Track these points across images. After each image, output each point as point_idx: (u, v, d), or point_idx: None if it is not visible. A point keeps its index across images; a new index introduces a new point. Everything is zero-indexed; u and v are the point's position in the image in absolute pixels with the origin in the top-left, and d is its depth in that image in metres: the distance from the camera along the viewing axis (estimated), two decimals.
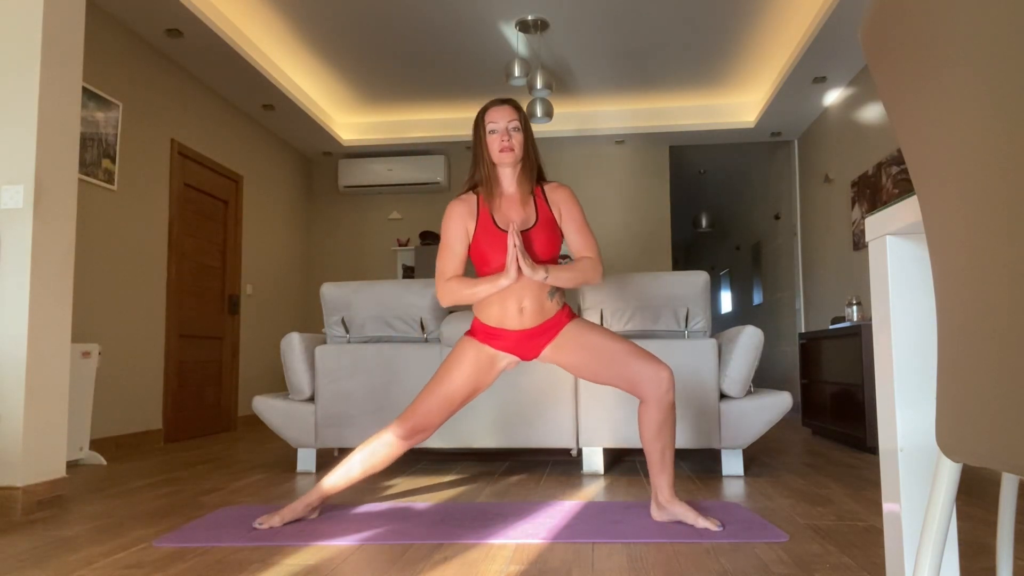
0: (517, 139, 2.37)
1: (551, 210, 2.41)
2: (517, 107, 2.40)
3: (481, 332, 2.42)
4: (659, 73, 5.95)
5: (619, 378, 2.34)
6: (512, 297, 2.35)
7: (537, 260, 2.35)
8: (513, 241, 2.21)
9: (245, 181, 6.22)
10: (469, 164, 2.51)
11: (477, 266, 2.40)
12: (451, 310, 4.14)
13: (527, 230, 2.36)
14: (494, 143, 2.36)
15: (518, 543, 2.12)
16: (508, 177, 2.42)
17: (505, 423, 3.45)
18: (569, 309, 2.47)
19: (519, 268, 2.23)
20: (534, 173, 2.44)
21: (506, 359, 2.43)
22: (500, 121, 2.36)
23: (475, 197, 2.43)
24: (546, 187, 2.46)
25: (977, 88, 0.64)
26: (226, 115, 5.91)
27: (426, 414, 2.39)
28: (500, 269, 2.32)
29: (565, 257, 6.73)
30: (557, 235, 2.40)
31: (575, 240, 2.40)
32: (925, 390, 1.15)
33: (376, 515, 2.50)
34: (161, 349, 4.94)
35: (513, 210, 2.40)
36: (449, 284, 2.35)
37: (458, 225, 2.39)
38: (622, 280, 3.47)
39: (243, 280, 6.13)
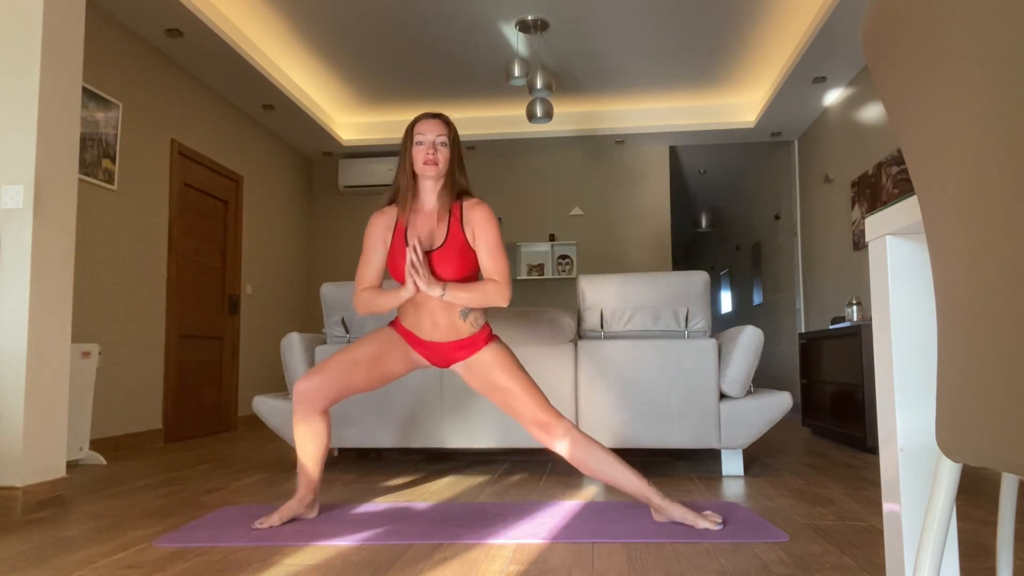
0: (443, 154, 2.38)
1: (464, 230, 2.39)
2: (448, 123, 2.42)
3: (399, 328, 2.50)
4: (659, 73, 5.95)
5: (516, 418, 2.41)
6: (425, 311, 2.41)
7: (440, 279, 2.36)
8: (409, 258, 2.25)
9: (245, 181, 6.22)
10: (387, 194, 2.52)
11: (394, 278, 2.45)
12: None
13: (434, 250, 2.37)
14: (419, 155, 2.36)
15: (518, 543, 2.12)
16: (428, 191, 2.42)
17: (505, 423, 3.45)
18: (489, 331, 2.48)
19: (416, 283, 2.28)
20: (454, 191, 2.42)
21: (419, 358, 2.50)
22: (428, 134, 2.37)
23: (396, 210, 2.46)
24: (465, 204, 2.43)
25: (977, 88, 0.65)
26: (226, 115, 5.91)
27: (325, 372, 2.39)
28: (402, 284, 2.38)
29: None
30: (467, 255, 2.38)
31: (485, 261, 2.40)
32: (925, 390, 1.15)
33: (376, 515, 2.50)
34: (161, 349, 4.94)
35: (426, 226, 2.40)
36: (362, 294, 2.42)
37: (376, 237, 2.45)
38: (622, 280, 3.47)
39: (243, 280, 6.13)
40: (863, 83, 5.35)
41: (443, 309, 2.40)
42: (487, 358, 2.42)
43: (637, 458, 3.95)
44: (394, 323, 2.52)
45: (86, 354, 3.89)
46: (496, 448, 3.92)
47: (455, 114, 6.85)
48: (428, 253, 2.37)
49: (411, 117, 6.88)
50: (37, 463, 2.71)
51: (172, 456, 4.24)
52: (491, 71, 5.87)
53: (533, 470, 3.54)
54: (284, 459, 4.04)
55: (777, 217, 7.64)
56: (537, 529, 2.26)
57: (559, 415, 2.36)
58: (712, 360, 3.34)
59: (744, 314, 9.58)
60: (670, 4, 4.78)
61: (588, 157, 7.41)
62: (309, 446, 2.43)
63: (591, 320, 3.50)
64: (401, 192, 2.43)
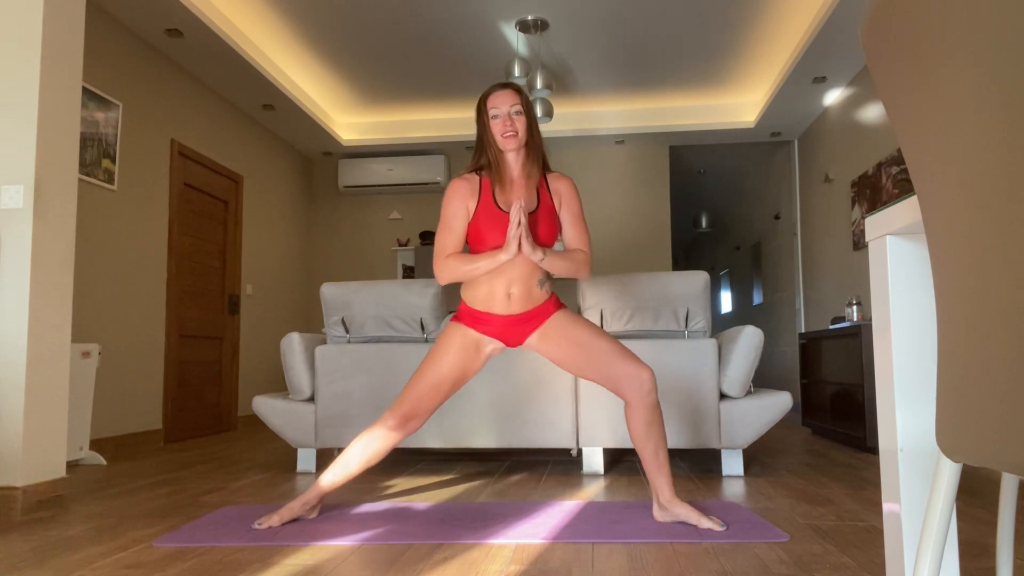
0: (520, 123, 2.37)
1: (552, 199, 2.43)
2: (519, 90, 2.40)
3: (467, 316, 2.43)
4: (659, 73, 5.95)
5: (600, 376, 2.35)
6: (501, 281, 2.37)
7: (537, 243, 2.35)
8: (518, 218, 2.21)
9: (245, 181, 6.22)
10: (469, 164, 2.51)
11: (472, 245, 2.41)
12: (451, 310, 4.14)
13: (530, 213, 2.37)
14: (497, 128, 2.36)
15: (518, 543, 2.12)
16: (513, 162, 2.43)
17: (505, 423, 3.45)
18: (557, 298, 2.48)
19: (519, 245, 2.24)
20: (539, 157, 2.44)
21: (492, 344, 2.44)
22: (502, 106, 2.36)
23: (478, 177, 2.43)
24: (549, 176, 2.48)
25: (977, 87, 0.64)
26: (226, 115, 5.91)
27: (416, 401, 2.38)
28: (496, 249, 2.33)
29: None
30: (556, 224, 2.41)
31: (570, 232, 2.42)
32: (925, 390, 1.15)
33: (376, 515, 2.50)
34: (161, 349, 4.94)
35: (516, 193, 2.40)
36: (448, 261, 2.36)
37: (459, 203, 2.39)
38: (622, 280, 3.47)
39: (243, 280, 6.13)
40: (863, 83, 5.35)
41: (520, 279, 2.37)
42: (561, 319, 2.41)
43: (638, 458, 3.95)
44: (459, 316, 2.46)
45: (86, 354, 3.89)
46: (496, 448, 3.91)
47: (455, 114, 6.85)
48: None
49: (411, 117, 6.89)
50: (37, 463, 2.71)
51: (172, 456, 4.24)
52: (491, 71, 5.87)
53: (533, 470, 3.54)
54: (284, 459, 4.04)
55: (777, 217, 7.64)
56: (537, 529, 2.26)
57: (646, 364, 2.35)
58: (712, 360, 3.34)
59: (744, 314, 9.57)
60: (670, 4, 4.78)
61: (588, 157, 7.41)
62: (364, 460, 2.39)
63: (591, 320, 3.50)
64: (487, 168, 2.41)
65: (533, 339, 2.43)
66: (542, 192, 2.42)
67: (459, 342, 2.41)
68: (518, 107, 2.37)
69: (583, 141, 7.10)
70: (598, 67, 5.82)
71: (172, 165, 5.11)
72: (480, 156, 2.43)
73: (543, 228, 2.36)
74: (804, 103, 6.01)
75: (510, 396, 3.45)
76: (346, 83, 6.08)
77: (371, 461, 2.41)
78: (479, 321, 2.41)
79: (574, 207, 2.44)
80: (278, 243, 6.87)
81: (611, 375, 2.33)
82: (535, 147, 2.42)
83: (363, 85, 6.13)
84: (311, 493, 2.41)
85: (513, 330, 2.41)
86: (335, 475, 2.40)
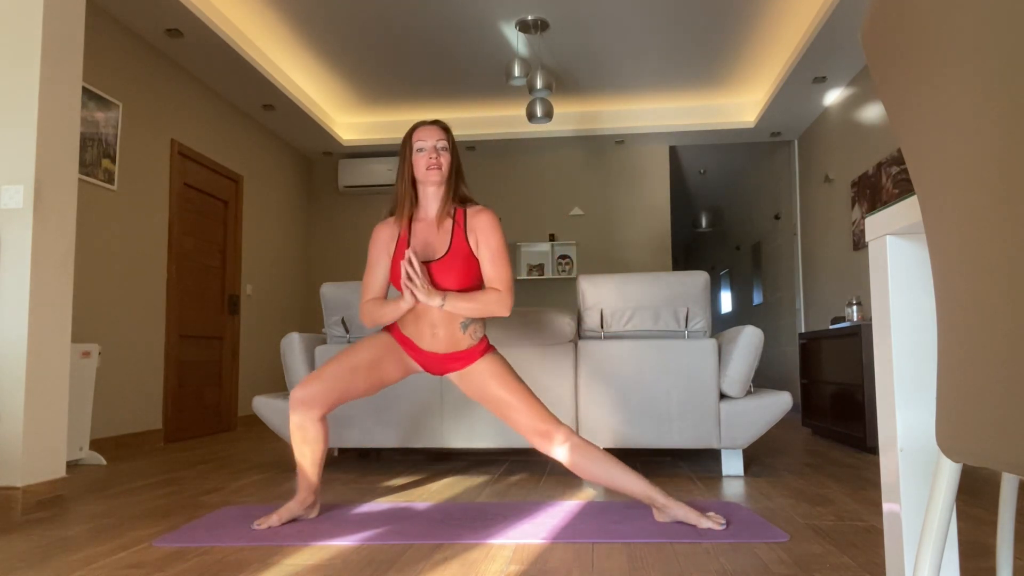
0: (445, 158, 2.38)
1: (468, 238, 2.38)
2: (446, 128, 2.42)
3: (397, 335, 2.48)
4: (659, 73, 5.95)
5: (515, 429, 2.41)
6: (425, 321, 2.40)
7: (440, 288, 2.33)
8: (405, 270, 2.24)
9: (245, 181, 6.22)
10: (387, 210, 2.52)
11: (397, 288, 2.43)
12: None
13: (436, 260, 2.35)
14: (420, 161, 2.36)
15: (518, 543, 2.12)
16: (430, 197, 2.42)
17: (505, 423, 3.45)
18: (486, 343, 2.47)
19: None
20: (456, 197, 2.43)
21: (414, 364, 2.50)
22: (428, 140, 2.37)
23: (397, 222, 2.46)
24: (469, 211, 2.43)
25: (977, 88, 0.64)
26: (226, 115, 5.91)
27: (320, 378, 2.36)
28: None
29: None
30: (471, 264, 2.37)
31: (487, 270, 2.38)
32: (925, 390, 1.15)
33: (376, 515, 2.50)
34: (161, 349, 4.94)
35: (429, 235, 2.40)
36: (366, 306, 2.43)
37: (380, 248, 2.46)
38: (622, 280, 3.47)
39: (243, 280, 6.13)
40: (863, 83, 5.35)
41: (444, 320, 2.38)
42: (482, 369, 2.41)
43: (637, 458, 3.95)
44: (392, 329, 2.49)
45: (86, 354, 3.89)
46: (496, 448, 3.92)
47: (455, 114, 6.85)
48: (429, 263, 2.35)
49: (411, 117, 6.89)
50: (37, 463, 2.71)
51: (172, 456, 4.24)
52: (491, 71, 5.87)
53: (533, 470, 3.54)
54: (284, 459, 4.04)
55: (777, 217, 7.64)
56: (537, 529, 2.26)
57: (558, 422, 2.35)
58: (712, 360, 3.34)
59: (744, 314, 9.57)
60: (670, 4, 4.78)
61: (588, 157, 7.41)
62: (307, 451, 2.41)
63: (591, 320, 3.50)
64: (400, 201, 2.41)
65: (454, 377, 2.48)
66: (456, 232, 2.38)
67: (386, 341, 2.46)
68: (444, 143, 2.38)
69: (583, 141, 7.10)
70: (598, 67, 5.82)
71: (172, 165, 5.11)
72: (396, 191, 2.44)
73: (453, 273, 2.34)
74: (804, 103, 6.01)
75: None
76: (346, 83, 6.09)
77: (314, 444, 2.41)
78: (406, 345, 2.46)
79: (492, 244, 2.37)
80: (278, 243, 6.87)
81: (520, 432, 2.39)
82: (455, 187, 2.42)
83: (363, 85, 6.13)
84: (301, 488, 2.43)
85: (435, 363, 2.46)
86: (305, 467, 2.43)
